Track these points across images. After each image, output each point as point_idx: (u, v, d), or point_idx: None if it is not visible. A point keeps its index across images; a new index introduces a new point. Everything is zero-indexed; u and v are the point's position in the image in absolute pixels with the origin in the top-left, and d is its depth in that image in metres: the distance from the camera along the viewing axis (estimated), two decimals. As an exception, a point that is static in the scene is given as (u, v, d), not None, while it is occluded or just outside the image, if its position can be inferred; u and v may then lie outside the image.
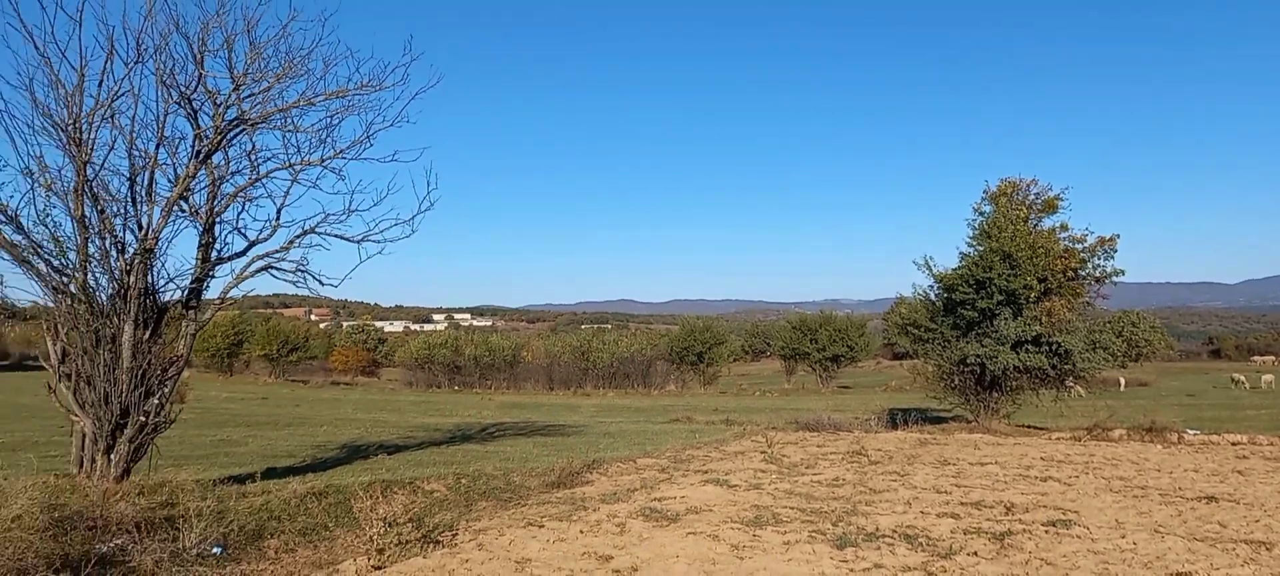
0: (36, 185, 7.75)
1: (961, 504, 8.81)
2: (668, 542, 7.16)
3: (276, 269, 8.89)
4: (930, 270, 19.82)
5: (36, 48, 7.52)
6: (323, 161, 8.91)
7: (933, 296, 20.14)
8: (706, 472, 11.27)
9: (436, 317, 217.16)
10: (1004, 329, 17.98)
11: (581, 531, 7.60)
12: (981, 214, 20.01)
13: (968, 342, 18.49)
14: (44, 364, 8.29)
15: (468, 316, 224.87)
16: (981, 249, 18.84)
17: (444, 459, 12.73)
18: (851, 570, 6.28)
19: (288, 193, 8.98)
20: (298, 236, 8.95)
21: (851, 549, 6.84)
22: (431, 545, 6.98)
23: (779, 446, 14.28)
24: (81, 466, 7.95)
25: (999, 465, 11.86)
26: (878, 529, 7.57)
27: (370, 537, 6.63)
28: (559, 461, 11.68)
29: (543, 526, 7.79)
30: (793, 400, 38.53)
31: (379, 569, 6.31)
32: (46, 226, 7.80)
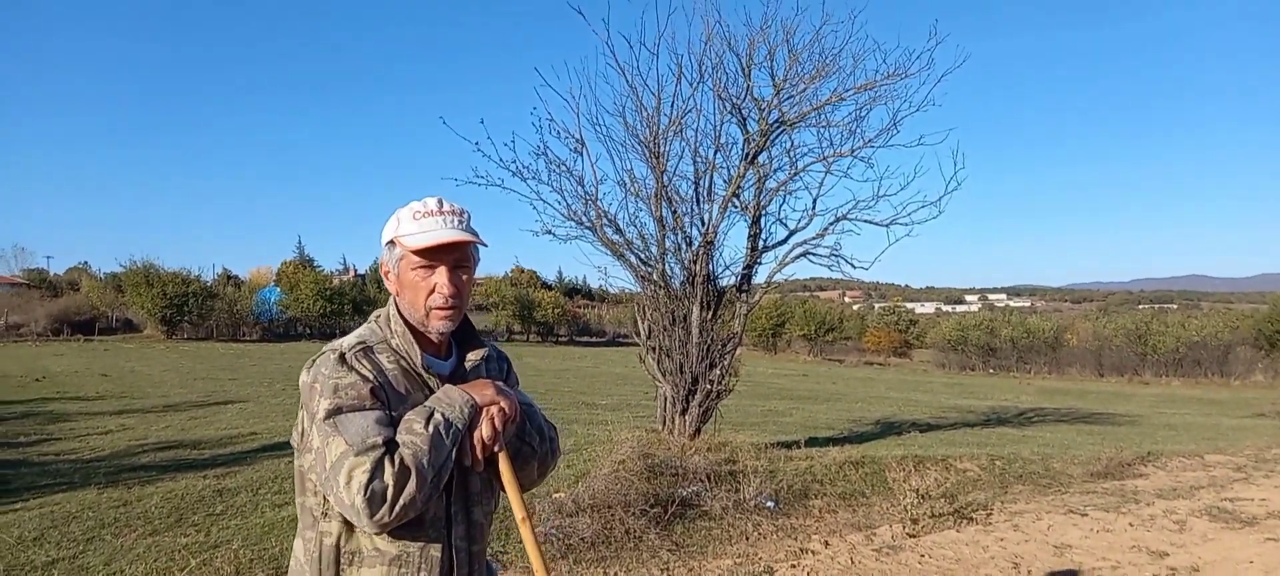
0: (628, 193, 9.54)
1: None
2: (1239, 546, 6.29)
3: (813, 254, 9.64)
4: None
5: (627, 80, 9.26)
6: (853, 152, 9.42)
7: None
8: (1300, 476, 9.48)
9: (969, 298, 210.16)
10: None
11: (1131, 524, 7.02)
12: None
13: None
14: (635, 338, 10.13)
15: (1002, 297, 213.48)
16: None
17: (977, 440, 12.54)
18: None
19: (821, 183, 9.65)
20: (831, 224, 9.60)
21: None
22: (964, 521, 7.07)
23: None
24: (664, 424, 9.56)
25: None
26: None
27: (904, 507, 6.96)
28: (1106, 450, 10.78)
29: (1085, 515, 7.36)
30: None
31: (913, 537, 6.59)
32: (635, 226, 9.56)
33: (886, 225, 9.55)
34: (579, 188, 9.35)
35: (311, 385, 1.71)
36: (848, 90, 9.24)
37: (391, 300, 1.90)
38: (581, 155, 9.36)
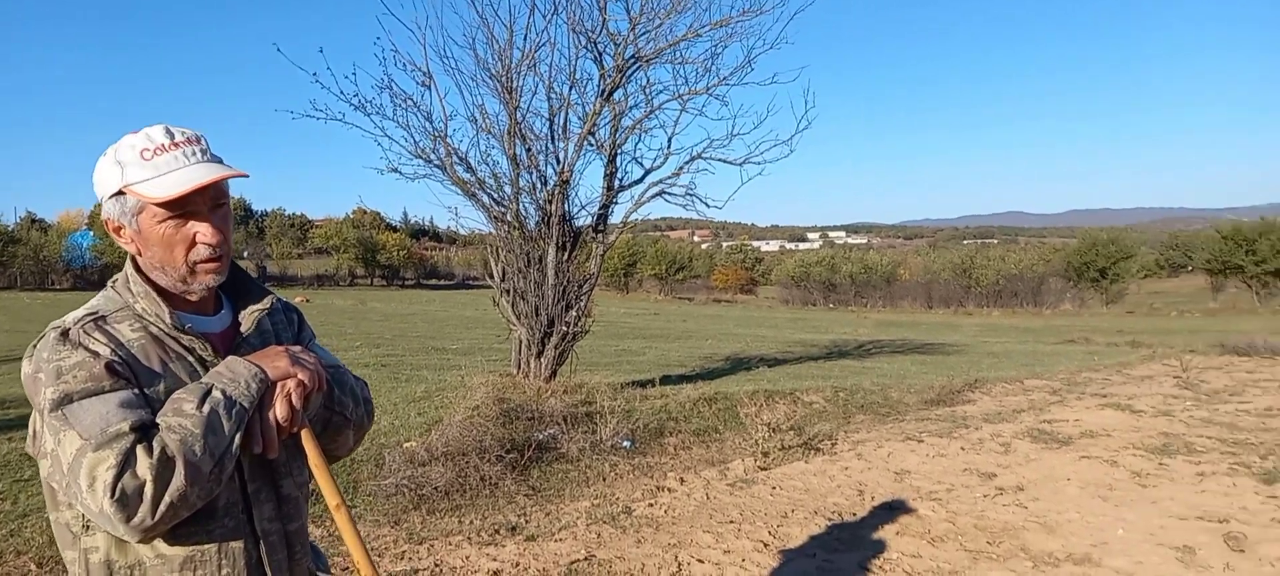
0: (479, 130, 9.19)
1: None
2: (1058, 464, 6.81)
3: (669, 194, 9.61)
4: None
5: (477, 11, 8.85)
6: (708, 90, 9.38)
7: None
8: (1106, 396, 10.38)
9: (811, 236, 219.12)
10: None
11: (962, 448, 7.48)
12: None
13: None
14: (489, 281, 9.88)
15: (842, 234, 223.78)
16: None
17: (821, 373, 13.06)
18: (1286, 511, 5.50)
19: (677, 122, 9.56)
20: (686, 162, 9.59)
21: (1288, 489, 5.98)
22: (812, 452, 7.32)
23: (1197, 371, 12.64)
24: (518, 368, 9.40)
25: None
26: (1326, 470, 6.51)
27: (756, 441, 7.13)
28: (938, 379, 11.45)
29: (922, 441, 7.77)
30: (1219, 321, 33.61)
31: (764, 470, 6.77)
32: (488, 165, 9.24)
33: (740, 164, 9.63)
34: (427, 123, 8.93)
35: (34, 375, 1.37)
36: (704, 26, 9.17)
37: (128, 260, 1.55)
38: (429, 89, 8.93)
